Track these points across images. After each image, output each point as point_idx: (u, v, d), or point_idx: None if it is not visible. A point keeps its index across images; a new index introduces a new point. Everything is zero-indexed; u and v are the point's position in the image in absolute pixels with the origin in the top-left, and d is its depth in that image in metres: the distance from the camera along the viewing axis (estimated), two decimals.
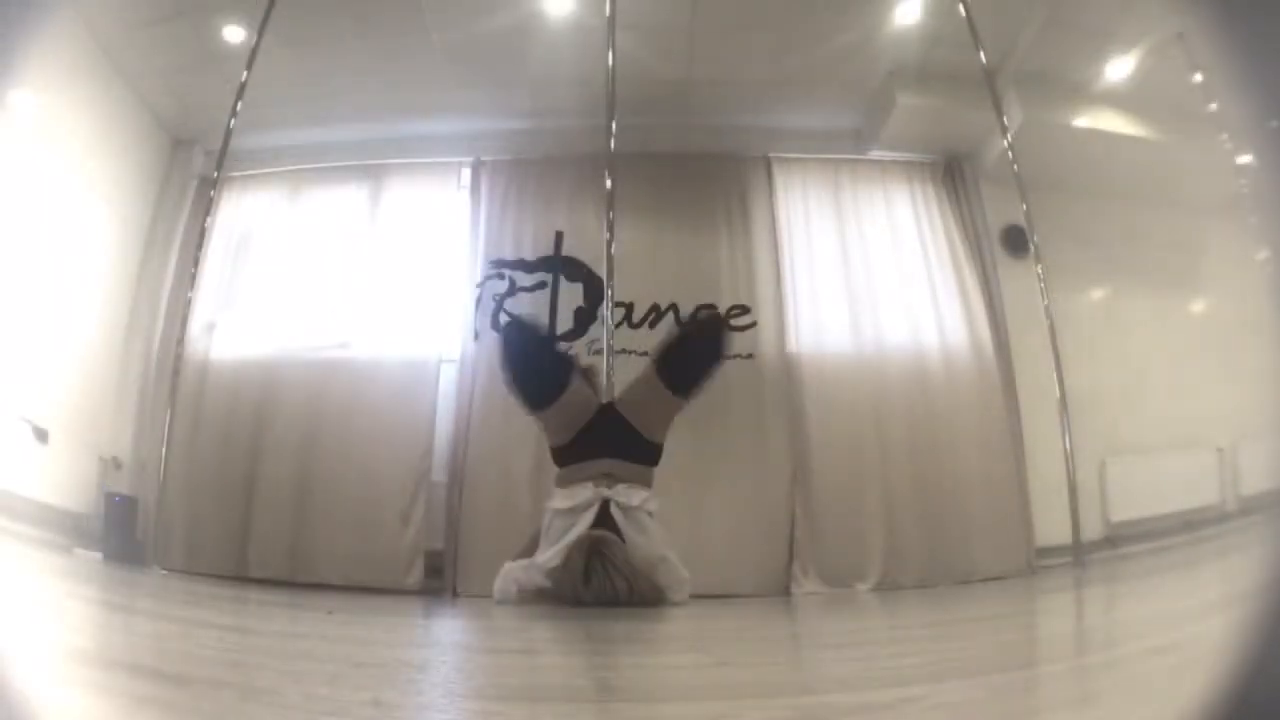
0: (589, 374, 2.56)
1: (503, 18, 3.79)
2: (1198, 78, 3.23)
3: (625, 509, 2.11)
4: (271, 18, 3.57)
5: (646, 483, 2.25)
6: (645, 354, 3.86)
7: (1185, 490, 3.58)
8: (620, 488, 2.14)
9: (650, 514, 2.18)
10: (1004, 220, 4.14)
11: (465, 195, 4.25)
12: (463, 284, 4.10)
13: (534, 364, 2.38)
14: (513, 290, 4.07)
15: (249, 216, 4.29)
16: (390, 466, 3.77)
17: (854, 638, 1.45)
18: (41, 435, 3.39)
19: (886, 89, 4.12)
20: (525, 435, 3.59)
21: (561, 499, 2.18)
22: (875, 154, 4.32)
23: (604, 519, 2.10)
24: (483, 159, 4.29)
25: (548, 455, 2.46)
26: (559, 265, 4.09)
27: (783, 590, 3.55)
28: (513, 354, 2.42)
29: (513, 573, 2.19)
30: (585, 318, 3.98)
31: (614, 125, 3.72)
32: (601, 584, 1.90)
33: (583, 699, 0.75)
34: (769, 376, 3.90)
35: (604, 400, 2.48)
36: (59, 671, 0.67)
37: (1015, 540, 3.67)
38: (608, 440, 2.23)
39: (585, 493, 2.14)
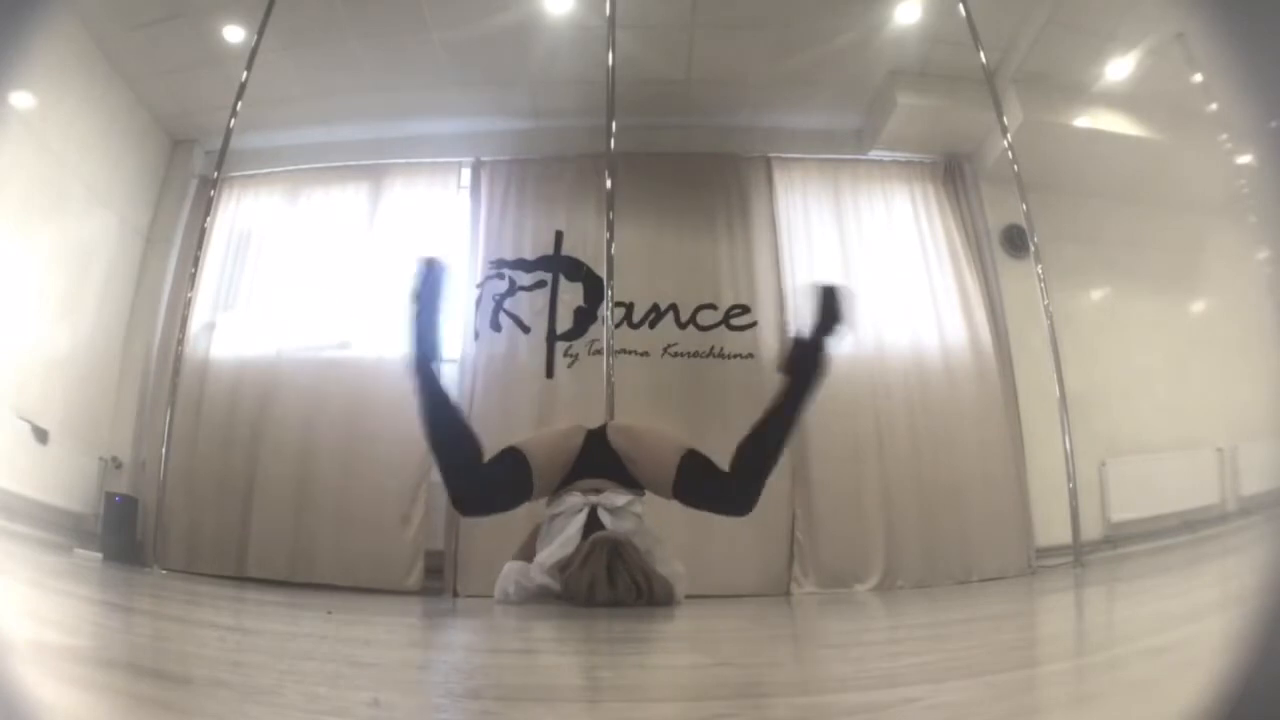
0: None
1: (503, 18, 3.79)
2: (1198, 78, 3.23)
3: (612, 509, 2.12)
4: (271, 18, 3.57)
5: (636, 491, 2.23)
6: (646, 354, 3.89)
7: (1185, 490, 3.59)
8: (606, 494, 2.16)
9: (637, 515, 2.18)
10: (1004, 220, 4.14)
11: (465, 195, 4.25)
12: (463, 284, 4.10)
13: (497, 489, 2.25)
14: (512, 290, 4.07)
15: (249, 216, 4.29)
16: (391, 467, 3.76)
17: (854, 638, 1.45)
18: (41, 435, 3.39)
19: (887, 89, 4.12)
20: (524, 435, 3.59)
21: (554, 505, 2.20)
22: (875, 154, 4.32)
23: (593, 521, 2.12)
24: (483, 159, 4.30)
25: None
26: (559, 265, 4.09)
27: (783, 590, 3.56)
28: (475, 494, 2.28)
29: (512, 573, 2.19)
30: (585, 318, 3.98)
31: (614, 125, 3.72)
32: (625, 586, 1.92)
33: (582, 699, 0.75)
34: (769, 377, 3.89)
35: (588, 429, 2.37)
36: (59, 671, 0.67)
37: (1015, 540, 3.68)
38: (599, 467, 2.22)
39: (573, 499, 2.16)
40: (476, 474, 2.23)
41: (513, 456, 2.22)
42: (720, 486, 2.16)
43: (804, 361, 2.17)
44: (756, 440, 2.21)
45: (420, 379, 2.22)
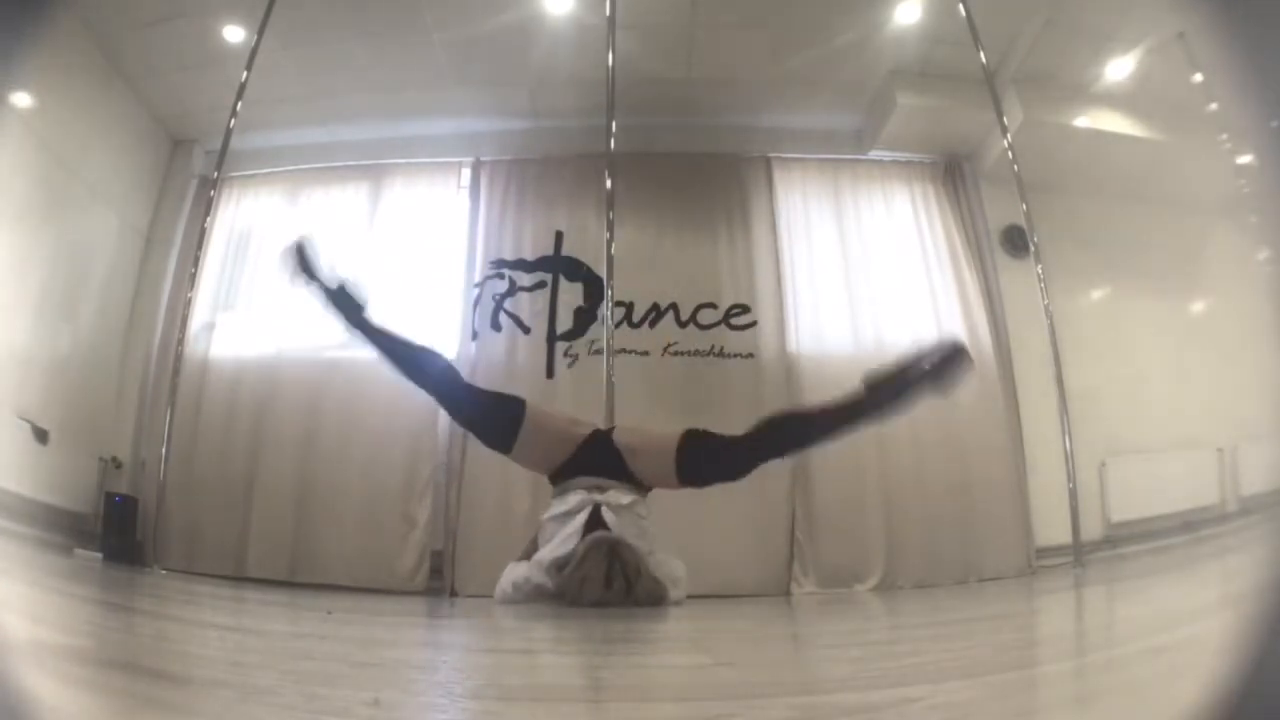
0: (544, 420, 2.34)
1: (503, 18, 3.79)
2: (1198, 78, 3.23)
3: (616, 508, 2.12)
4: (271, 18, 3.57)
5: (640, 493, 2.24)
6: (646, 353, 3.89)
7: (1185, 490, 3.59)
8: (610, 493, 2.16)
9: (641, 515, 2.18)
10: (1004, 220, 4.14)
11: (465, 195, 4.25)
12: (463, 284, 4.10)
13: (482, 413, 2.33)
14: (512, 290, 4.07)
15: (249, 216, 4.29)
16: (392, 468, 3.77)
17: (854, 638, 1.45)
18: (41, 435, 3.39)
19: (887, 89, 4.12)
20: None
21: (555, 506, 2.20)
22: (875, 154, 4.32)
23: (595, 519, 2.11)
24: (483, 159, 4.30)
25: None
26: (559, 265, 4.09)
27: (783, 590, 3.55)
28: (460, 408, 2.36)
29: (512, 573, 2.19)
30: (585, 318, 3.98)
31: (614, 125, 3.72)
32: (620, 587, 1.91)
33: (582, 699, 0.75)
34: (769, 376, 3.90)
35: (599, 427, 2.39)
36: (59, 671, 0.67)
37: (1015, 540, 3.67)
38: (601, 465, 2.22)
39: (576, 497, 2.15)
40: (458, 382, 2.36)
41: (511, 405, 2.26)
42: (730, 453, 2.19)
43: (887, 392, 2.06)
44: (802, 422, 2.21)
45: (356, 323, 2.27)
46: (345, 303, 2.28)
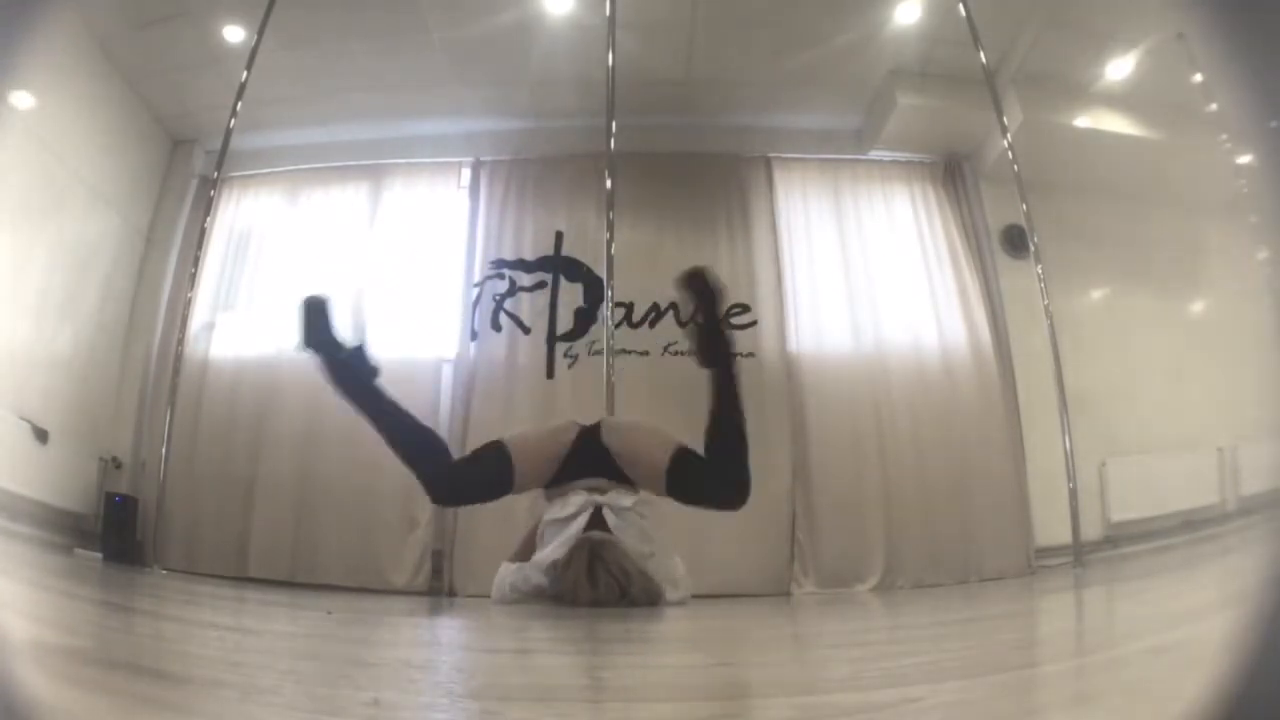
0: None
1: (503, 17, 3.79)
2: (1198, 78, 3.22)
3: (618, 510, 2.11)
4: (271, 18, 3.57)
5: (636, 490, 2.22)
6: (646, 353, 3.89)
7: (1185, 490, 3.58)
8: (611, 494, 2.15)
9: (643, 515, 2.17)
10: (1004, 220, 4.14)
11: (465, 195, 4.25)
12: (463, 284, 4.10)
13: (478, 478, 2.29)
14: (512, 290, 4.07)
15: (249, 216, 4.29)
16: (393, 467, 3.74)
17: (854, 638, 1.45)
18: (41, 435, 3.39)
19: (887, 89, 4.12)
20: (516, 429, 3.60)
21: (555, 509, 2.18)
22: (875, 154, 4.32)
23: (597, 521, 2.10)
24: (483, 159, 4.29)
25: None
26: (559, 265, 4.09)
27: (783, 590, 3.55)
28: (456, 487, 2.35)
29: (509, 574, 2.19)
30: (585, 318, 3.98)
31: (614, 125, 3.72)
32: (605, 586, 1.91)
33: (582, 699, 0.75)
34: (769, 376, 3.90)
35: (581, 425, 2.31)
36: (59, 671, 0.67)
37: (1015, 540, 3.67)
38: (594, 465, 2.20)
39: (578, 499, 2.14)
40: (446, 465, 2.32)
41: (495, 450, 2.24)
42: (706, 476, 2.16)
43: (713, 349, 2.31)
44: (716, 429, 2.20)
45: (357, 396, 2.28)
46: (358, 369, 2.25)
